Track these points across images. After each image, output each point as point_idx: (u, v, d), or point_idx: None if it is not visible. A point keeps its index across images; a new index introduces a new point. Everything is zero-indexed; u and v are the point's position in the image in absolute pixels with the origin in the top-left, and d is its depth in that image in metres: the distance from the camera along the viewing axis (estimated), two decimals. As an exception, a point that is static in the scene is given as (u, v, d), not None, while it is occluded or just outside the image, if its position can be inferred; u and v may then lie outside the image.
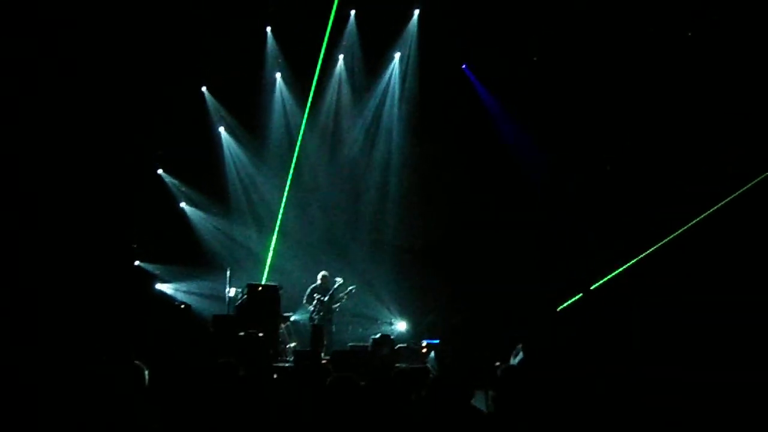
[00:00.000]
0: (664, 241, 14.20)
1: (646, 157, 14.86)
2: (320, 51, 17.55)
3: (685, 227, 14.05)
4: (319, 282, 15.50)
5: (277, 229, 17.26)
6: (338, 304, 15.40)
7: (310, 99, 17.68)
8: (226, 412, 4.93)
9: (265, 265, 16.96)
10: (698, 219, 13.95)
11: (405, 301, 16.80)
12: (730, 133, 13.91)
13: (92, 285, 14.94)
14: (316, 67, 17.79)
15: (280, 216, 17.29)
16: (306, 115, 17.89)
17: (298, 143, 17.86)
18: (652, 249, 14.30)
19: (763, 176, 13.70)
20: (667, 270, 13.73)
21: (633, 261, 14.45)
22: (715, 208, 13.90)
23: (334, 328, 15.44)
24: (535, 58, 16.45)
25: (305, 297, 15.38)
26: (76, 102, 15.64)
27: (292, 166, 17.63)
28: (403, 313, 16.50)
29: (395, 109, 18.20)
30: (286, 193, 17.39)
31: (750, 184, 13.77)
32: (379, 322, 16.37)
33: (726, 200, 13.86)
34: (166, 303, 16.43)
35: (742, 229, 13.42)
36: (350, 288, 15.45)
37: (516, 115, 16.84)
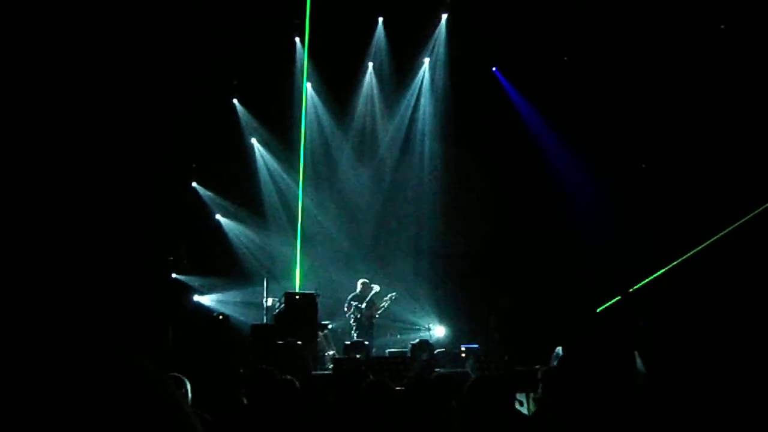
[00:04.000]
0: (706, 243, 13.87)
1: (684, 154, 14.61)
2: (349, 59, 17.63)
3: (731, 227, 13.68)
4: (359, 290, 15.49)
5: (299, 236, 17.25)
6: (380, 311, 15.38)
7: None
8: (265, 417, 4.92)
9: (295, 273, 16.97)
10: (744, 219, 13.57)
11: (443, 307, 16.74)
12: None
13: (130, 298, 15.04)
14: (346, 75, 17.87)
15: (299, 221, 17.30)
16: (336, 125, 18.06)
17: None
18: (694, 251, 14.00)
19: None
20: (709, 273, 13.42)
21: (673, 263, 14.19)
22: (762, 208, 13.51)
23: (374, 336, 15.41)
24: (565, 58, 16.34)
25: (345, 305, 15.39)
26: (109, 118, 15.77)
27: (299, 165, 17.64)
28: (442, 319, 16.43)
29: (427, 114, 18.19)
30: (300, 198, 17.42)
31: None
32: (417, 327, 16.31)
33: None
34: (204, 315, 16.51)
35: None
36: (391, 295, 15.43)
37: (548, 116, 16.74)
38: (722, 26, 14.62)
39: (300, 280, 16.88)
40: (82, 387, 1.16)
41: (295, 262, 17.04)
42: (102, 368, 1.21)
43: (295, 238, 17.40)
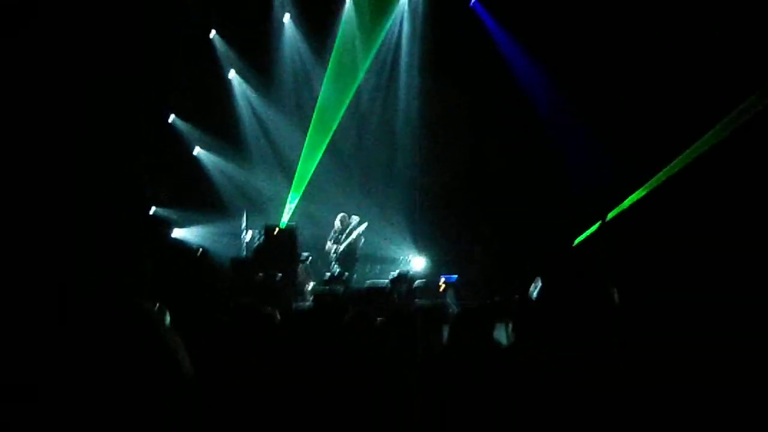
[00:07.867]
0: (685, 164, 13.73)
1: (663, 84, 14.51)
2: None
3: (711, 146, 13.49)
4: (337, 224, 15.54)
5: (297, 173, 17.22)
6: (357, 242, 15.42)
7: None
8: (247, 349, 4.95)
9: (284, 208, 16.96)
10: (724, 139, 13.38)
11: (422, 237, 16.79)
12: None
13: (109, 233, 15.00)
14: (324, 7, 17.66)
15: (301, 160, 17.23)
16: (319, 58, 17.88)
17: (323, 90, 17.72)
18: (672, 172, 13.86)
19: None
20: (690, 196, 13.28)
21: (650, 186, 14.08)
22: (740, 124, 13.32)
23: (357, 267, 15.51)
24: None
25: (327, 242, 15.49)
26: (85, 50, 15.53)
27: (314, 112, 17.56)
28: (421, 250, 16.50)
29: (405, 48, 18.03)
30: (308, 138, 17.35)
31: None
32: (397, 259, 16.40)
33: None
34: (183, 248, 16.50)
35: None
36: (357, 223, 15.46)
37: (527, 47, 16.61)
38: None
39: (282, 213, 16.90)
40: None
41: (283, 196, 17.05)
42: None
43: (276, 172, 17.40)
